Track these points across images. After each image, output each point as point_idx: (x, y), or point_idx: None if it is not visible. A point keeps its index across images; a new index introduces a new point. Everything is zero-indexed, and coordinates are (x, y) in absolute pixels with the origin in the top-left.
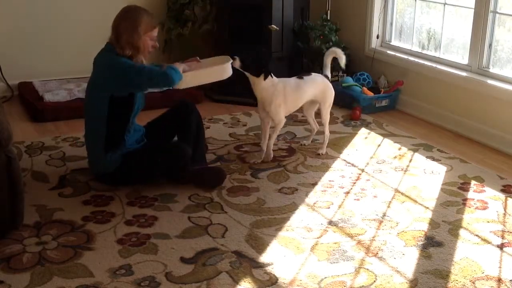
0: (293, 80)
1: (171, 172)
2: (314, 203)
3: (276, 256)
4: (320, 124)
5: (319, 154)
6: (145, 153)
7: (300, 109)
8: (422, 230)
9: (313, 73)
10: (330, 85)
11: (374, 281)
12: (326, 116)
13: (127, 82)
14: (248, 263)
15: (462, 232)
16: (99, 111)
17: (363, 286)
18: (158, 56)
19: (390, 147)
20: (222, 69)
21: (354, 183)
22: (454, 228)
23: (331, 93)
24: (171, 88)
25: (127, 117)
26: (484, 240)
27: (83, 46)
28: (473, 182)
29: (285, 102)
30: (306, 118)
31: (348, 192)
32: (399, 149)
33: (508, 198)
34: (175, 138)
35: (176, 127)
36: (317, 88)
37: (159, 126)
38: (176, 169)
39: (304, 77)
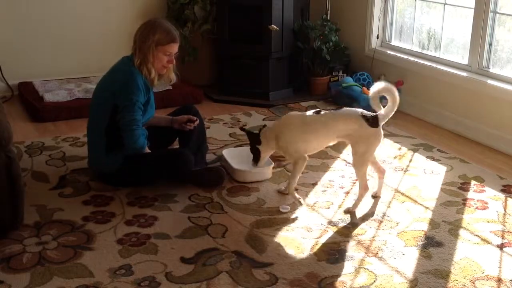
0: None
1: (173, 176)
2: (314, 203)
3: (276, 256)
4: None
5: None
6: (148, 159)
7: None
8: (422, 230)
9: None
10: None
11: (374, 281)
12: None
13: (120, 97)
14: (248, 263)
15: (462, 232)
16: (102, 112)
17: (363, 286)
18: None
19: (390, 147)
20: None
21: (354, 183)
22: (454, 228)
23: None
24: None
25: None
26: (484, 240)
27: (83, 46)
28: (473, 182)
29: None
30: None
31: (348, 192)
32: (399, 149)
33: (508, 198)
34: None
35: (179, 131)
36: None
37: (162, 129)
38: (178, 174)
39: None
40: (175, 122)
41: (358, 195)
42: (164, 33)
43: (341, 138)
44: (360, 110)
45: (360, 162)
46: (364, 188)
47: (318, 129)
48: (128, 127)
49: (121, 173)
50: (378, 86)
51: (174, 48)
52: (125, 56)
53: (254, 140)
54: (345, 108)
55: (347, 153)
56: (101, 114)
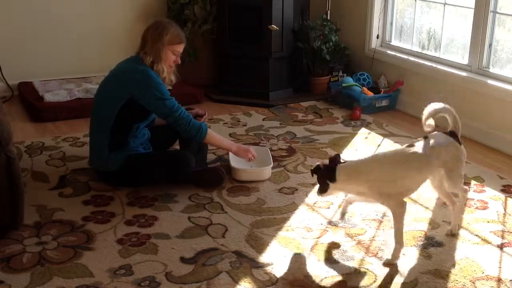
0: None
1: (173, 178)
2: (314, 203)
3: (276, 256)
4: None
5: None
6: (150, 160)
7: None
8: (422, 230)
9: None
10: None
11: (374, 281)
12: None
13: (146, 96)
14: (248, 263)
15: (462, 232)
16: (109, 112)
17: (363, 286)
18: None
19: (390, 147)
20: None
21: None
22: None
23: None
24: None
25: (136, 123)
26: (484, 240)
27: (83, 46)
28: (473, 182)
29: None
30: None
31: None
32: None
33: (508, 198)
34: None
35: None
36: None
37: (163, 129)
38: (178, 176)
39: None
40: None
41: (461, 205)
42: (175, 33)
43: (440, 167)
44: (444, 134)
45: (460, 180)
46: (465, 191)
47: (419, 166)
48: (171, 118)
49: (122, 173)
50: (433, 107)
51: (182, 48)
52: (132, 56)
53: (328, 174)
54: (437, 134)
55: (347, 153)
56: (108, 114)
